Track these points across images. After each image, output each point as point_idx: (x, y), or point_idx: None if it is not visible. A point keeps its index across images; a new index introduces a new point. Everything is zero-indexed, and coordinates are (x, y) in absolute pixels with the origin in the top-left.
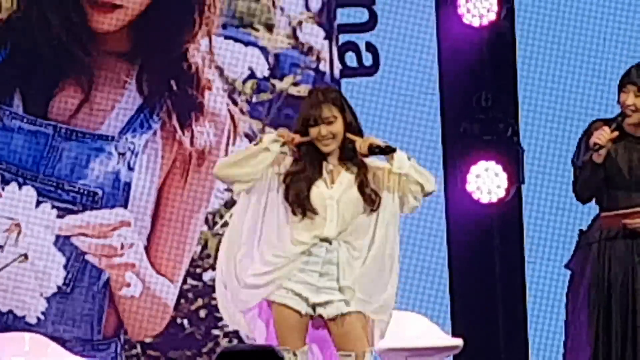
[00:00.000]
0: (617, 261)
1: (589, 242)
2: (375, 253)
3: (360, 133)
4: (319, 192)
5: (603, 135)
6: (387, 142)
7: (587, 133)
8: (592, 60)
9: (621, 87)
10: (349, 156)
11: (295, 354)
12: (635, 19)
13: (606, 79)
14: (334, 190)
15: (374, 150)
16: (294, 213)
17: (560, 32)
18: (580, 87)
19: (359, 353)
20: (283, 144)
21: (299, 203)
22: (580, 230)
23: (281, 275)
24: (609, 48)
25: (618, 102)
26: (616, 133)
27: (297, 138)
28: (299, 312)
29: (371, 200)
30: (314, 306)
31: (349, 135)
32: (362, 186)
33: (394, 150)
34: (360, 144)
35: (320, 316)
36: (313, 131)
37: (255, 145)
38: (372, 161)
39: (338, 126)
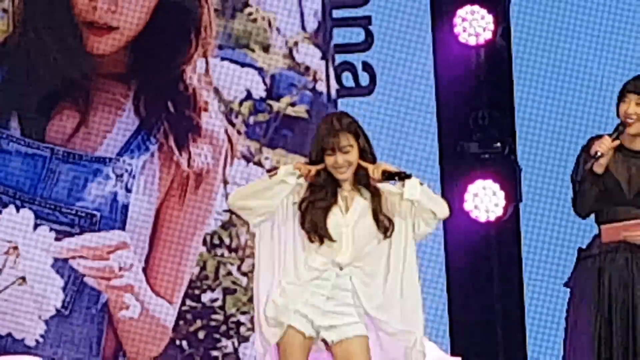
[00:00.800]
0: (616, 277)
1: (588, 258)
2: (392, 281)
3: (373, 158)
4: (335, 219)
5: (604, 144)
6: (399, 168)
7: (586, 149)
8: (589, 78)
9: (621, 98)
10: (362, 182)
11: None
12: (632, 36)
13: (604, 96)
14: (349, 218)
15: (386, 176)
16: (311, 240)
17: (557, 49)
18: (578, 104)
19: None
20: (299, 176)
21: (316, 231)
22: (580, 249)
23: (294, 301)
24: (606, 65)
25: (617, 115)
26: (617, 142)
27: (314, 170)
28: (302, 334)
29: (384, 227)
30: (318, 329)
31: (361, 162)
32: (375, 213)
33: (407, 176)
34: (374, 170)
35: (324, 340)
36: (329, 160)
37: (271, 176)
38: (385, 186)
39: (354, 154)
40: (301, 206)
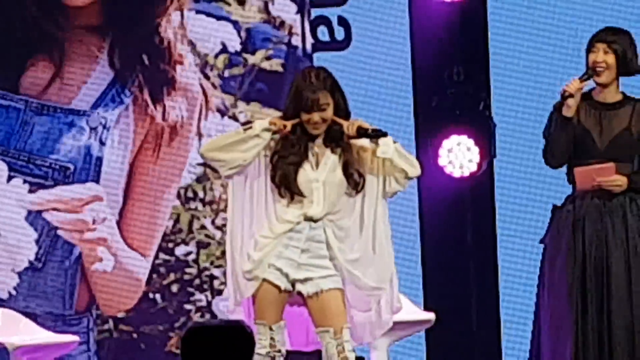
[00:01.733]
0: (591, 232)
1: (562, 214)
2: (365, 236)
3: (347, 114)
4: (305, 174)
5: (572, 84)
6: (374, 125)
7: (558, 107)
8: (563, 34)
9: (590, 48)
10: (334, 138)
11: (271, 329)
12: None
13: (579, 51)
14: (319, 173)
15: (361, 133)
16: (281, 195)
17: (532, 6)
18: (553, 59)
19: (337, 329)
20: (275, 132)
21: (286, 185)
22: (554, 206)
23: (269, 255)
24: (583, 19)
25: (587, 65)
26: (586, 83)
27: (289, 125)
28: (278, 287)
29: (355, 182)
30: (293, 282)
31: (336, 118)
32: (346, 168)
33: (383, 134)
34: (348, 127)
35: (299, 293)
36: (305, 116)
37: (245, 130)
38: (357, 142)
39: (330, 112)
40: (272, 159)
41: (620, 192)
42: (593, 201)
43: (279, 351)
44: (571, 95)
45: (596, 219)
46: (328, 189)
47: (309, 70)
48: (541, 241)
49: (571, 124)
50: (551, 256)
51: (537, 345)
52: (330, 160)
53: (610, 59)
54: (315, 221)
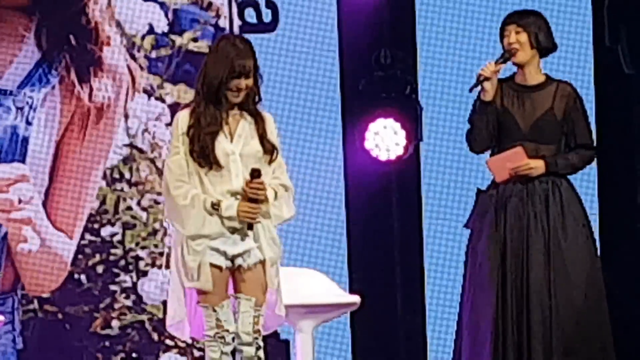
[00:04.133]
0: (512, 217)
1: (486, 198)
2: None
3: (260, 81)
4: (221, 147)
5: (488, 67)
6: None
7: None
8: (492, 19)
9: (502, 33)
10: (249, 106)
11: (214, 310)
12: None
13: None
14: (235, 145)
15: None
16: (201, 166)
17: None
18: (481, 45)
19: (259, 302)
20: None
21: (204, 156)
22: (478, 190)
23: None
24: (510, 6)
25: (503, 49)
26: (502, 65)
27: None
28: (219, 268)
29: (270, 151)
30: (232, 258)
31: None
32: (262, 138)
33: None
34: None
35: (240, 267)
36: (234, 82)
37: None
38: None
39: (252, 79)
40: (189, 133)
41: (540, 175)
42: (516, 186)
43: (227, 330)
44: (487, 79)
45: (518, 204)
46: (245, 160)
47: (234, 36)
48: (465, 225)
49: (491, 108)
50: (473, 241)
51: (459, 332)
52: (245, 131)
53: (523, 37)
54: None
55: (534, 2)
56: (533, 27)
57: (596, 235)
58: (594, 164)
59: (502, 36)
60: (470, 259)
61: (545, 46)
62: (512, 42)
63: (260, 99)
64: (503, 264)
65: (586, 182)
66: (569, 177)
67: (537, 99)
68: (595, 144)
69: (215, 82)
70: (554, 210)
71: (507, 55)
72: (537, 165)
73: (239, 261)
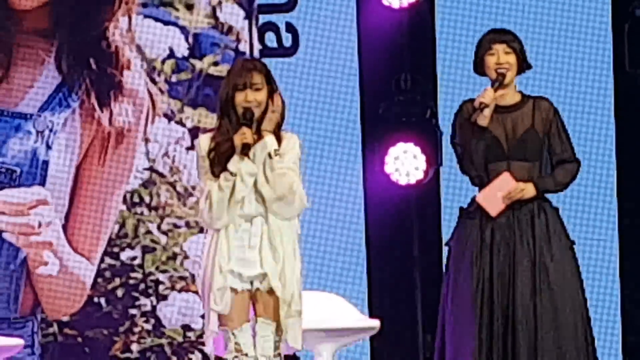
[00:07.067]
0: (498, 235)
1: (470, 215)
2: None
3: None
4: (230, 165)
5: (487, 94)
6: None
7: (459, 114)
8: None
9: (486, 52)
10: (269, 129)
11: (233, 334)
12: (552, 8)
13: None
14: (244, 164)
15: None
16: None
17: (480, 14)
18: None
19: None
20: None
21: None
22: (461, 208)
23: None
24: (529, 27)
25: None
26: (501, 92)
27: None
28: (235, 290)
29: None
30: (250, 280)
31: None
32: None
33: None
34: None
35: (258, 289)
36: (240, 96)
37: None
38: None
39: (264, 94)
40: (209, 155)
41: (530, 197)
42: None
43: (246, 354)
44: (487, 106)
45: (504, 225)
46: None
47: (243, 58)
48: (447, 243)
49: (487, 133)
50: (457, 260)
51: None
52: (259, 154)
53: (512, 58)
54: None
55: (554, 30)
56: (520, 47)
57: (616, 251)
58: (614, 188)
59: (485, 53)
60: (450, 278)
61: (526, 67)
62: (502, 62)
63: (282, 121)
64: (490, 289)
65: (607, 210)
66: (552, 195)
67: (517, 118)
68: (577, 156)
69: (223, 97)
70: (539, 231)
71: (500, 79)
72: (528, 187)
73: (256, 284)
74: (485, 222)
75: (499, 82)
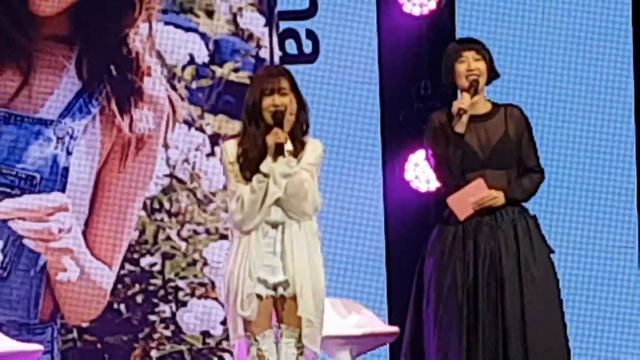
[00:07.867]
0: (483, 246)
1: (451, 224)
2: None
3: (307, 120)
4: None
5: (465, 99)
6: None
7: (430, 125)
8: (530, 49)
9: (456, 60)
10: (294, 135)
11: (256, 340)
12: (571, 14)
13: (546, 66)
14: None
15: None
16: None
17: (500, 21)
18: (520, 75)
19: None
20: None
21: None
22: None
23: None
24: (548, 35)
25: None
26: (477, 97)
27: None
28: (259, 297)
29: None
30: (274, 286)
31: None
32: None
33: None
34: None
35: (282, 296)
36: (267, 100)
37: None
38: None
39: (290, 100)
40: (239, 160)
41: (503, 205)
42: (484, 218)
43: None
44: (465, 112)
45: (489, 233)
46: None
47: (267, 65)
48: (424, 253)
49: (463, 141)
50: (440, 270)
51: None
52: (285, 162)
53: (482, 65)
54: (276, 225)
55: (574, 38)
56: (489, 55)
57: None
58: (634, 200)
59: (454, 62)
60: (432, 289)
61: (495, 75)
62: (472, 69)
63: (307, 128)
64: (475, 298)
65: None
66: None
67: (490, 126)
68: (541, 166)
69: (250, 104)
70: (522, 238)
71: (475, 84)
72: (499, 195)
73: (280, 290)
74: (469, 233)
75: (474, 88)
